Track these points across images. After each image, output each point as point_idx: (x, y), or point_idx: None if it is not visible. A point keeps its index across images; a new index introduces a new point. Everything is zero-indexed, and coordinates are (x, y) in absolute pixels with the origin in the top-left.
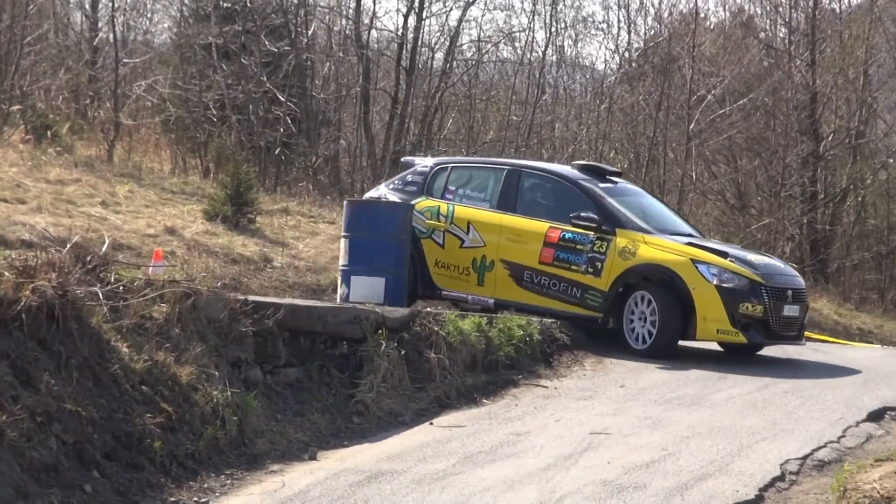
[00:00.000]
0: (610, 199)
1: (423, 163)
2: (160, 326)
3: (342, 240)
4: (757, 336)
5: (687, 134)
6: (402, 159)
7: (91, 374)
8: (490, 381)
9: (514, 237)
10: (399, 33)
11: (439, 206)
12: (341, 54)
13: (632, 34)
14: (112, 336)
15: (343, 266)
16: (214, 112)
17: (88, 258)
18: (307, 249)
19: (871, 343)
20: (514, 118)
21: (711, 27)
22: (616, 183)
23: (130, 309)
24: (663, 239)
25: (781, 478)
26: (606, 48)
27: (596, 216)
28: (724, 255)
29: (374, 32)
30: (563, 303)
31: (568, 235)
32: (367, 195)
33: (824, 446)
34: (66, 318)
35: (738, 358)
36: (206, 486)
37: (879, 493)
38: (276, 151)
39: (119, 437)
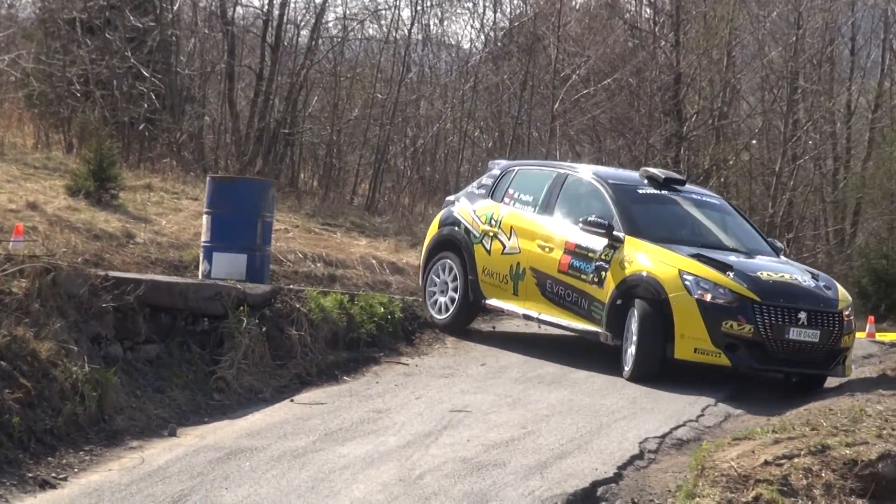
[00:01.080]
0: (634, 206)
1: (498, 164)
2: (19, 301)
3: (204, 216)
4: (746, 360)
5: (552, 113)
6: (489, 163)
7: None
8: (351, 358)
9: (542, 243)
10: (265, 10)
11: (493, 211)
12: (206, 30)
13: (497, 13)
14: None
15: (205, 242)
16: (78, 87)
17: None
18: (170, 225)
19: None
20: (379, 96)
21: (577, 7)
22: (677, 190)
23: None
24: (667, 249)
25: (640, 456)
26: (472, 27)
27: (604, 220)
28: (726, 268)
29: (239, 9)
30: (575, 315)
31: (583, 242)
32: (449, 198)
33: (683, 425)
34: None
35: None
36: (64, 461)
37: (737, 471)
38: (140, 127)
39: None
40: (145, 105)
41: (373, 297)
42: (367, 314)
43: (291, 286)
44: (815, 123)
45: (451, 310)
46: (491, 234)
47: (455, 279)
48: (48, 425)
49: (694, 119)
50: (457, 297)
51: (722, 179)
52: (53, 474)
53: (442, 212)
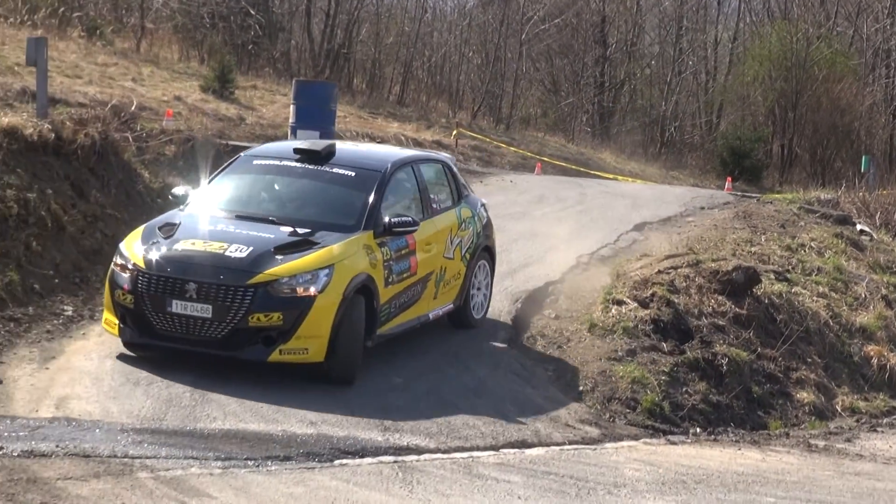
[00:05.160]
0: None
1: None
2: (170, 160)
3: (291, 106)
4: (129, 333)
5: (520, 42)
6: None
7: (124, 191)
8: None
9: None
10: None
11: None
12: None
13: None
14: (138, 166)
15: (292, 123)
16: (208, 20)
17: (122, 114)
18: (269, 112)
19: (637, 180)
20: (406, 28)
21: None
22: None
23: (150, 148)
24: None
25: (577, 266)
26: None
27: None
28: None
29: None
30: None
31: None
32: None
33: (605, 246)
34: (106, 153)
35: (553, 189)
36: None
37: (640, 276)
38: (249, 47)
39: None
40: (252, 32)
41: None
42: None
43: None
44: (694, 50)
45: None
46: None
47: None
48: None
49: (613, 47)
50: None
51: (632, 87)
52: None
53: None
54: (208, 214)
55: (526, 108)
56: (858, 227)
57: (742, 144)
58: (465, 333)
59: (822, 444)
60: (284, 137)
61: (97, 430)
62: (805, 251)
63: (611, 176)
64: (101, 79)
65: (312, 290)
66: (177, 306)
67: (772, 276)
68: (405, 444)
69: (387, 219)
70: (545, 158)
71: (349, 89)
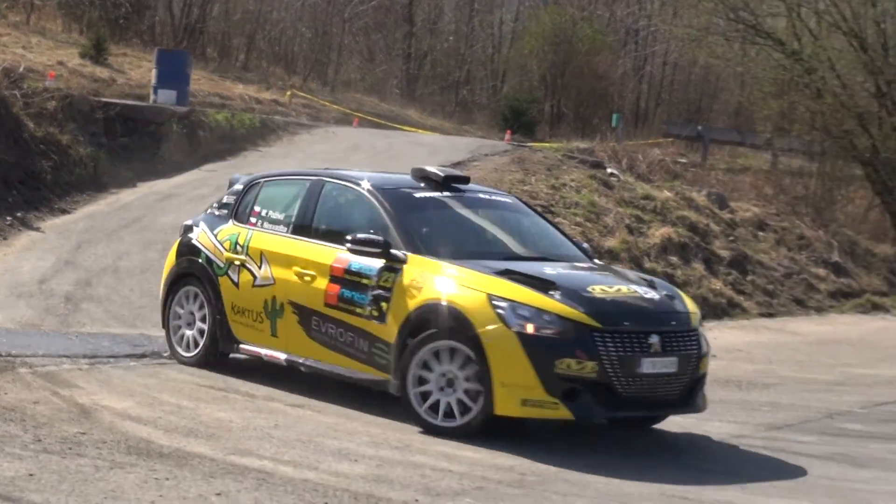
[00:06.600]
0: (412, 214)
1: (241, 179)
2: (52, 113)
3: (154, 69)
4: (591, 409)
5: (343, 19)
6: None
7: (12, 139)
8: (233, 147)
9: (302, 270)
10: None
11: (238, 234)
12: None
13: None
14: (24, 118)
15: (154, 84)
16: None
17: (12, 75)
18: (136, 76)
19: (436, 133)
20: (251, 8)
21: None
22: (460, 190)
23: (35, 104)
24: (468, 267)
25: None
26: None
27: (377, 235)
28: (548, 287)
29: None
30: (351, 359)
31: (354, 266)
32: (187, 223)
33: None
34: None
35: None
36: (74, 200)
37: None
38: (121, 21)
39: (28, 172)
40: (123, 9)
41: (244, 115)
42: (240, 123)
43: (200, 108)
44: (483, 28)
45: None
46: (237, 263)
47: (202, 307)
48: (66, 181)
49: (419, 24)
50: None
51: (433, 57)
52: (68, 207)
53: (178, 241)
54: (490, 264)
55: (347, 73)
56: (609, 170)
57: (520, 104)
58: None
59: None
60: (148, 94)
61: None
62: (566, 189)
63: (414, 129)
64: None
65: None
66: (648, 365)
67: (538, 209)
68: None
69: (585, 244)
70: (362, 115)
71: (203, 57)
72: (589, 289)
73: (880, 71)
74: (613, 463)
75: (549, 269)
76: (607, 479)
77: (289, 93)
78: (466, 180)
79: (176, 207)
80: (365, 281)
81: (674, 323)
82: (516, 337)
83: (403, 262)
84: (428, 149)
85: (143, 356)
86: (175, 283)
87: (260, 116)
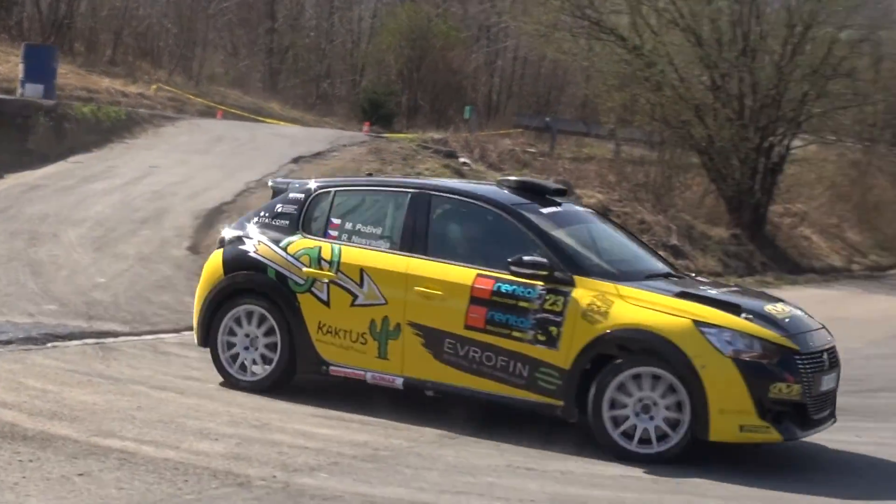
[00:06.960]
0: (560, 233)
1: (295, 185)
2: None
3: (21, 64)
4: (792, 430)
5: (207, 16)
6: (269, 183)
7: None
8: (99, 139)
9: (427, 290)
10: None
11: (317, 248)
12: None
13: None
14: None
15: (21, 78)
16: None
17: None
18: (4, 70)
19: (297, 125)
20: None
21: None
22: (560, 206)
23: None
24: (644, 290)
25: (246, 190)
26: None
27: (545, 259)
28: (737, 310)
29: None
30: (503, 384)
31: (505, 288)
32: (228, 233)
33: (268, 175)
34: None
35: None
36: None
37: None
38: None
39: None
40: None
41: (110, 108)
42: (107, 116)
43: (67, 101)
44: (343, 24)
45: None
46: (325, 279)
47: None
48: None
49: (280, 20)
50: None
51: (294, 52)
52: None
53: (223, 252)
54: (659, 285)
55: (212, 67)
56: (461, 159)
57: (378, 97)
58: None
59: None
60: (15, 91)
61: None
62: (421, 178)
63: (276, 121)
64: None
65: None
66: (825, 383)
67: None
68: (105, 329)
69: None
70: (226, 108)
71: (71, 52)
72: (766, 309)
73: (715, 65)
74: (465, 438)
75: (712, 291)
76: (457, 452)
77: (154, 86)
78: (564, 191)
79: (42, 198)
80: (523, 304)
81: (830, 338)
82: (733, 364)
83: (570, 284)
84: (289, 140)
85: (9, 342)
86: (226, 299)
87: (126, 109)
